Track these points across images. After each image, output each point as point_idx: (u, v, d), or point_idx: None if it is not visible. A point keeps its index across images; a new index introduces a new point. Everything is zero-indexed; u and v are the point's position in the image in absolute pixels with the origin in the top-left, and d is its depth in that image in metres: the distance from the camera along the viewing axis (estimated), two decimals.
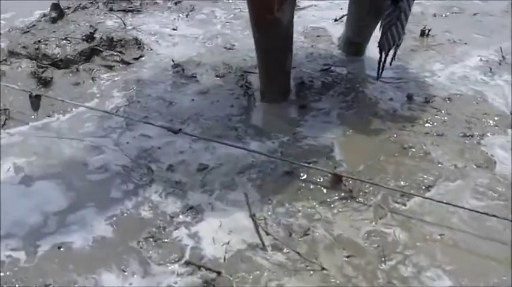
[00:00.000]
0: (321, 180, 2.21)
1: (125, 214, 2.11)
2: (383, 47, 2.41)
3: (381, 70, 2.55)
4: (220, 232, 2.03)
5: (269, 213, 2.09)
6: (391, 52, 2.47)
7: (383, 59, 2.49)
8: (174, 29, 3.34)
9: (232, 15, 3.52)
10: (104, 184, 2.26)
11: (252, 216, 2.04)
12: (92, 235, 2.03)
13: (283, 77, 2.62)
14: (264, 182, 2.23)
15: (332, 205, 2.12)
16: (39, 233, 2.04)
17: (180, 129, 2.37)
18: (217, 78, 2.87)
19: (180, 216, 2.10)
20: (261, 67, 2.60)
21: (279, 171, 2.27)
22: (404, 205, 2.13)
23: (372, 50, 2.99)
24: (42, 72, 2.86)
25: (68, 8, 3.56)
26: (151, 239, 2.00)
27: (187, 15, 3.52)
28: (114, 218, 2.09)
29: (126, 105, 2.69)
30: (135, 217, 2.10)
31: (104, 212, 2.12)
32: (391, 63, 2.52)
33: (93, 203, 2.16)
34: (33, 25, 3.40)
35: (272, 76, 2.61)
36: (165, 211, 2.12)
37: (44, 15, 3.50)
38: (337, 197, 2.15)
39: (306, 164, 2.23)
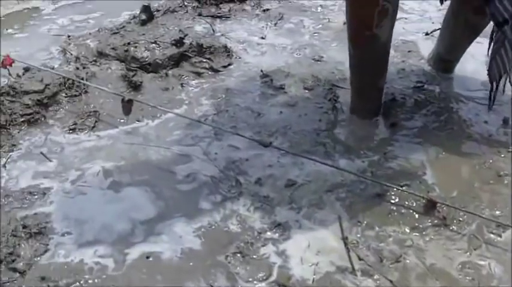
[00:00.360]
0: (414, 205, 2.14)
1: (213, 227, 2.10)
2: (493, 76, 2.29)
3: (492, 101, 2.43)
4: (308, 252, 1.99)
5: (358, 235, 2.04)
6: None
7: (494, 89, 2.37)
8: (262, 38, 3.32)
9: (320, 26, 3.47)
10: (192, 193, 2.25)
11: (344, 239, 1.99)
12: (180, 246, 2.02)
13: (376, 94, 2.56)
14: (353, 203, 2.17)
15: (424, 232, 2.05)
16: (128, 241, 2.05)
17: (271, 143, 2.34)
18: (306, 90, 2.82)
19: (268, 232, 2.07)
20: (354, 83, 2.55)
21: (369, 192, 2.21)
22: (500, 236, 2.04)
23: (463, 67, 2.92)
24: (133, 75, 2.89)
25: (158, 10, 3.58)
26: (239, 255, 1.98)
27: (275, 24, 3.48)
28: (202, 230, 2.09)
29: (214, 114, 2.68)
30: (223, 230, 2.09)
31: (192, 223, 2.12)
32: (503, 91, 2.41)
33: (181, 213, 2.16)
34: (123, 26, 3.44)
35: (365, 93, 2.55)
36: (253, 226, 2.10)
37: (134, 16, 3.54)
38: (429, 224, 2.07)
39: (399, 187, 2.17)
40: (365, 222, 2.09)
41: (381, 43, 2.34)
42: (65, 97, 2.75)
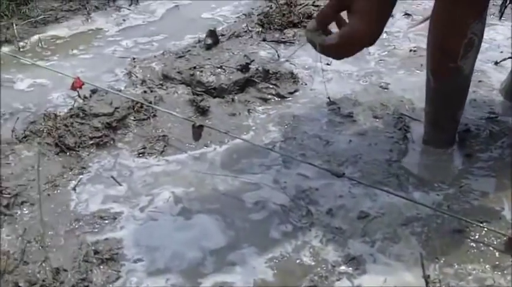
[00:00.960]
0: (494, 242, 2.06)
1: (285, 258, 2.05)
2: None
3: None
4: None
5: (436, 273, 1.97)
6: None
7: None
8: (327, 64, 3.27)
9: (386, 52, 3.42)
10: (262, 222, 2.22)
11: (426, 278, 1.92)
12: (253, 277, 1.98)
13: (452, 127, 2.48)
14: (430, 238, 2.10)
15: (505, 271, 1.96)
16: (200, 270, 2.02)
17: (344, 174, 2.28)
18: (375, 119, 2.77)
19: (342, 266, 2.01)
20: (430, 114, 2.47)
21: (446, 227, 2.13)
22: None
23: None
24: (201, 100, 2.88)
25: (222, 35, 3.58)
26: None
27: None
28: (275, 261, 2.04)
29: (282, 141, 2.64)
30: (296, 262, 2.04)
31: (264, 253, 2.07)
32: None
33: (253, 243, 2.12)
34: (188, 50, 3.44)
35: (440, 125, 2.48)
36: (326, 258, 2.04)
37: (199, 40, 3.55)
38: (511, 263, 1.99)
39: (479, 224, 2.09)
40: (443, 259, 2.02)
41: (464, 75, 2.28)
42: (134, 121, 2.75)
